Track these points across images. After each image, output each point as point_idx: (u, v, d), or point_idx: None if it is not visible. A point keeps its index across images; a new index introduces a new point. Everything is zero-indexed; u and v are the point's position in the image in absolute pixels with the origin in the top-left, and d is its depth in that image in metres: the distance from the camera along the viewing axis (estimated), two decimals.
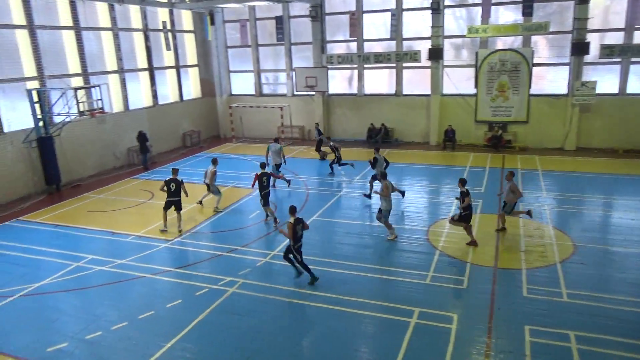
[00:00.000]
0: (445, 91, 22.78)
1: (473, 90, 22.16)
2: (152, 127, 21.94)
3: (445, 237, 12.04)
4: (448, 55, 22.59)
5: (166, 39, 23.12)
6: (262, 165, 13.73)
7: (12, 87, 16.59)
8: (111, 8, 20.24)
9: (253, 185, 13.72)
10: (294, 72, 24.85)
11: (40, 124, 16.64)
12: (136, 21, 21.92)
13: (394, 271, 10.30)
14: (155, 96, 23.06)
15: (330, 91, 24.73)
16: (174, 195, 12.83)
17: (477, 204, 14.32)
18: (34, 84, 17.02)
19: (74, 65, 18.87)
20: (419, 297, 9.24)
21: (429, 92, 22.80)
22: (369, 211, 14.31)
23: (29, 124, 16.56)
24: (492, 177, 17.17)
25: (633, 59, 19.80)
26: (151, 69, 22.74)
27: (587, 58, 20.32)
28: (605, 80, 20.30)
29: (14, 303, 9.49)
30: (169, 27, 23.34)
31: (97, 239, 12.69)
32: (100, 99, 17.49)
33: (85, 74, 19.13)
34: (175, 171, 13.13)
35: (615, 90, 20.42)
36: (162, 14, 23.28)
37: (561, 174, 17.55)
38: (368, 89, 24.47)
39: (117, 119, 20.39)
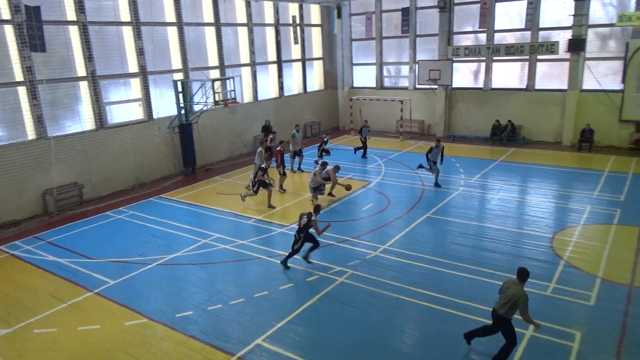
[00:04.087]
0: (585, 86, 20.64)
1: (619, 86, 19.77)
2: (276, 117, 23.20)
3: (573, 247, 11.03)
4: (591, 47, 20.39)
5: (295, 32, 24.16)
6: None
7: (162, 78, 18.64)
8: (247, 5, 21.68)
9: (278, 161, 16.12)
10: (417, 65, 24.38)
11: (182, 112, 18.53)
12: (269, 16, 23.21)
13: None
14: (281, 88, 24.28)
15: (454, 85, 23.82)
16: None
17: (615, 214, 12.88)
18: (179, 76, 18.98)
19: (213, 59, 20.63)
20: (537, 308, 8.56)
21: (565, 87, 20.85)
22: (488, 212, 13.61)
23: (173, 111, 18.55)
24: (636, 185, 15.24)
25: None
26: (279, 62, 23.95)
27: None
28: None
29: (152, 270, 10.80)
30: (298, 21, 24.33)
31: (222, 219, 13.86)
32: (234, 90, 18.88)
33: (222, 66, 20.81)
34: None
35: None
36: (293, 9, 24.34)
37: None
38: (495, 83, 23.10)
39: (246, 109, 21.88)
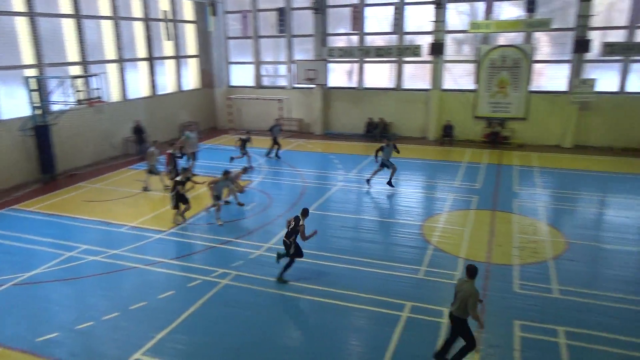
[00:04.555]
0: (445, 86, 22.70)
1: (473, 86, 22.10)
2: (149, 117, 21.91)
3: (440, 232, 12.04)
4: (449, 50, 22.49)
5: (167, 28, 23.00)
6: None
7: (10, 74, 16.49)
8: None
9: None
10: (294, 65, 24.75)
11: (38, 112, 16.58)
12: (137, 10, 21.79)
13: (388, 265, 10.30)
14: (153, 86, 22.97)
15: (330, 84, 24.64)
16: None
17: (472, 200, 14.34)
18: (32, 72, 16.95)
19: (74, 54, 18.77)
20: (411, 291, 9.26)
21: (429, 86, 22.73)
22: (365, 205, 14.30)
23: (26, 112, 16.52)
24: (489, 174, 17.15)
25: (634, 58, 19.74)
26: (151, 59, 22.64)
27: (589, 56, 20.24)
28: (605, 78, 20.21)
29: (5, 292, 9.47)
30: (169, 16, 23.21)
31: (91, 228, 12.68)
32: (99, 88, 17.37)
33: (84, 62, 19.04)
34: None
35: (615, 89, 20.40)
36: (163, 3, 23.16)
37: (557, 171, 17.54)
38: (368, 83, 24.38)
39: (114, 108, 20.30)
